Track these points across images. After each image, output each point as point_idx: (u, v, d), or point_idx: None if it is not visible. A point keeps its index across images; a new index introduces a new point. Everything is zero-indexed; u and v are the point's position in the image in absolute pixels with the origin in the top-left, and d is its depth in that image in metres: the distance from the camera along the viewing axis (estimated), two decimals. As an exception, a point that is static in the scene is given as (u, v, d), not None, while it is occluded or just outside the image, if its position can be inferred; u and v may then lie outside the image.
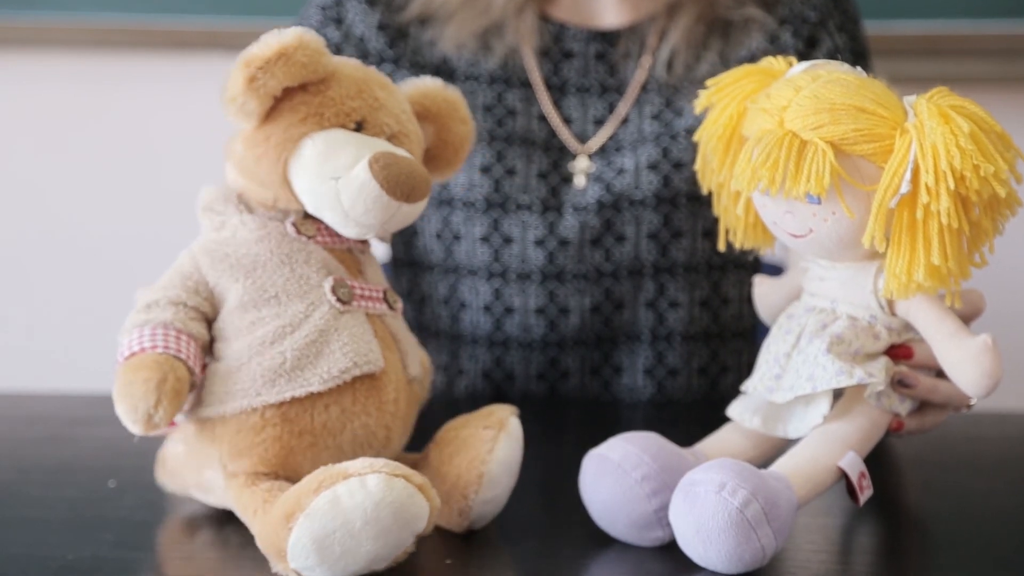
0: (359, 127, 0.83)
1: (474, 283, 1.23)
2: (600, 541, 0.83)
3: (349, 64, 0.85)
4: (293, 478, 0.81)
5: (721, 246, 0.92)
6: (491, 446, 0.83)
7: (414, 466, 0.86)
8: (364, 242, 0.88)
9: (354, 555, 0.73)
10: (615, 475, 0.81)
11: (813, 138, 0.77)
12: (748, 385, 0.87)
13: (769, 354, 0.86)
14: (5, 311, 1.85)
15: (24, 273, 1.85)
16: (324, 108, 0.82)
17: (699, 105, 0.89)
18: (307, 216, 0.84)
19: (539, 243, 1.21)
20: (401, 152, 0.82)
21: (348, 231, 0.82)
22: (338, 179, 0.80)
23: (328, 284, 0.83)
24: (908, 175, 0.76)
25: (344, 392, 0.81)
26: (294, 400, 0.80)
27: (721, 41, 1.24)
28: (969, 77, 1.67)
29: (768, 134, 0.79)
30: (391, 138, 0.84)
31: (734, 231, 0.91)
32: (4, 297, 1.85)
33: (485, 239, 1.22)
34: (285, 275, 0.82)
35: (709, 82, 0.89)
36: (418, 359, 0.89)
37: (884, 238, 0.78)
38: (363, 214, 0.80)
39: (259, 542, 0.77)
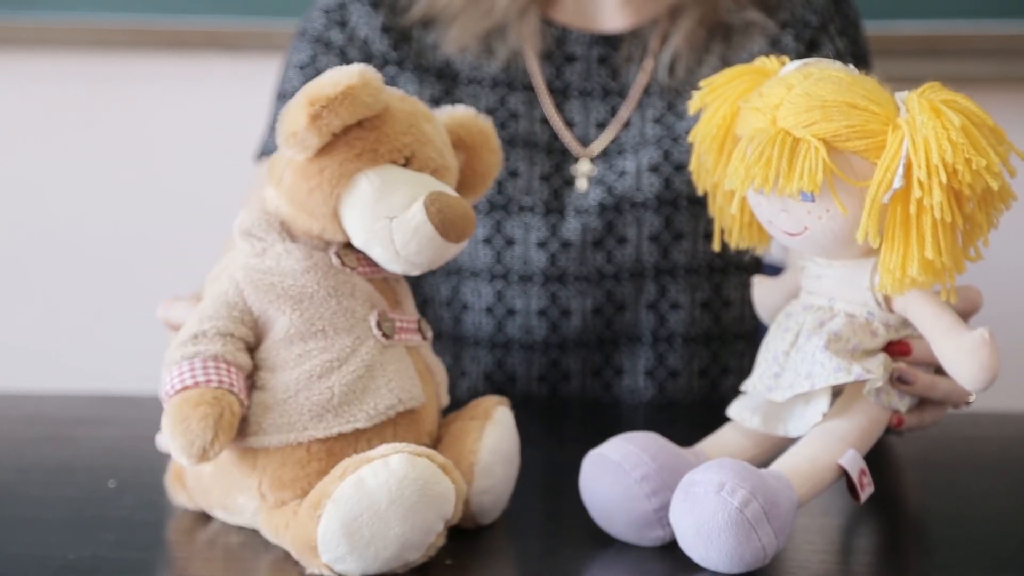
0: (407, 161, 0.83)
1: (476, 285, 1.23)
2: (600, 541, 0.83)
3: (397, 96, 0.85)
4: None
5: (716, 246, 0.92)
6: (478, 435, 0.84)
7: None
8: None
9: (383, 539, 0.74)
10: (615, 475, 0.82)
11: (805, 135, 0.78)
12: (747, 384, 0.87)
13: (768, 353, 0.86)
14: (5, 311, 1.85)
15: (24, 273, 1.85)
16: (379, 144, 0.82)
17: (693, 106, 0.89)
18: (348, 246, 0.84)
19: (541, 245, 1.21)
20: (449, 190, 0.82)
21: (394, 268, 0.83)
22: (392, 219, 0.80)
23: (373, 318, 0.83)
24: (901, 170, 0.76)
25: (386, 427, 0.82)
26: (340, 436, 0.80)
27: (723, 45, 1.24)
28: (969, 77, 1.67)
29: (761, 132, 0.79)
30: (434, 172, 0.84)
31: (729, 231, 0.91)
32: (4, 297, 1.85)
33: (487, 241, 1.22)
34: (332, 308, 0.82)
35: (702, 83, 0.89)
36: (447, 388, 0.90)
37: (878, 234, 0.78)
38: (415, 254, 0.81)
39: (292, 547, 0.77)
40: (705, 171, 0.89)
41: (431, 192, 0.80)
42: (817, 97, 0.78)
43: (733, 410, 0.88)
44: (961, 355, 0.78)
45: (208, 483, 0.85)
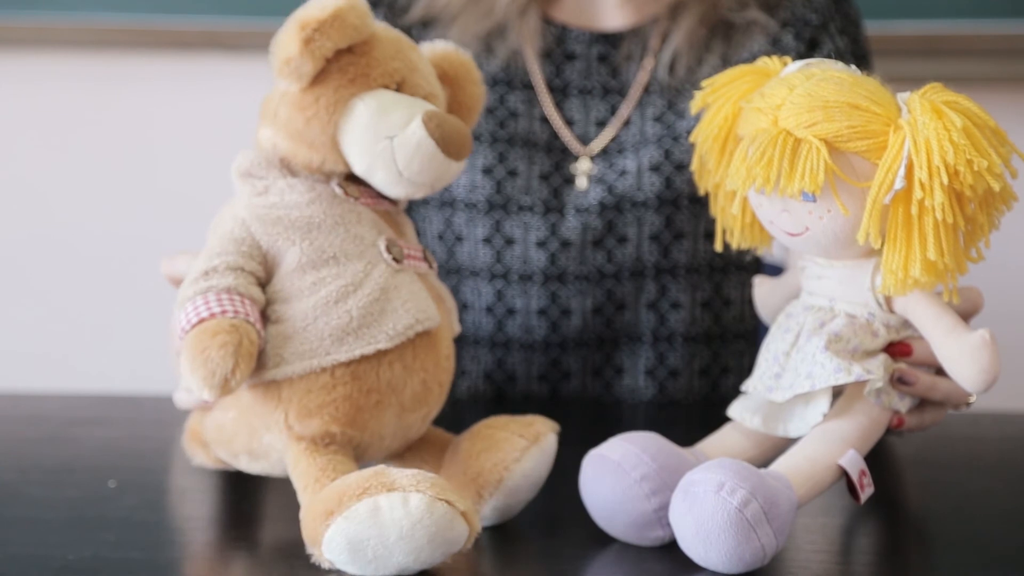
0: (399, 87, 0.84)
1: (476, 284, 1.23)
2: (600, 541, 0.83)
3: (381, 26, 0.86)
4: (356, 438, 0.81)
5: (718, 246, 0.92)
6: (519, 455, 0.83)
7: (444, 445, 0.87)
8: (395, 203, 0.88)
9: (385, 563, 0.74)
10: (615, 475, 0.81)
11: (807, 136, 0.78)
12: (748, 385, 0.87)
13: (768, 353, 0.86)
14: (5, 311, 1.85)
15: (24, 273, 1.85)
16: (370, 69, 0.83)
17: (695, 106, 0.89)
18: (349, 178, 0.85)
19: (541, 244, 1.21)
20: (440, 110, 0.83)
21: (398, 190, 0.83)
22: (393, 138, 0.81)
23: (382, 243, 0.83)
24: (902, 171, 0.76)
25: (406, 349, 0.82)
26: (363, 358, 0.81)
27: (723, 44, 1.24)
28: (969, 77, 1.67)
29: (762, 133, 0.79)
30: (424, 98, 0.85)
31: (731, 231, 0.91)
32: (4, 297, 1.85)
33: (487, 240, 1.22)
34: (341, 235, 0.83)
35: (704, 83, 0.89)
36: (456, 316, 0.90)
37: (879, 235, 0.78)
38: (418, 172, 0.82)
39: (302, 521, 0.77)
40: (707, 171, 0.89)
41: (427, 110, 0.81)
42: (819, 97, 0.78)
43: (733, 410, 0.88)
44: (962, 356, 0.78)
45: (232, 430, 0.85)
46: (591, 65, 1.26)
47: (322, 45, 0.80)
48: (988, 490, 0.96)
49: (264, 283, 0.83)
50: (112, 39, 1.76)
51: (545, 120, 1.25)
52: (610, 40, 1.26)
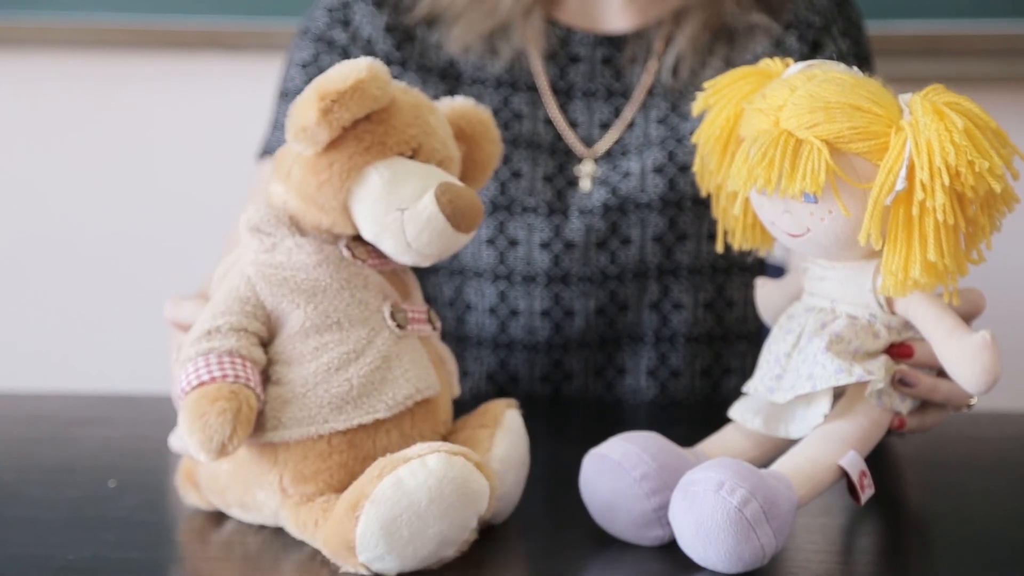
0: (414, 154, 0.83)
1: (479, 285, 1.23)
2: (601, 541, 0.83)
3: (400, 88, 0.85)
4: None
5: (719, 247, 0.92)
6: (488, 444, 0.84)
7: None
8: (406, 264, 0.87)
9: (422, 537, 0.74)
10: (615, 474, 0.82)
11: (808, 137, 0.78)
12: (749, 386, 0.87)
13: (770, 354, 0.86)
14: (5, 311, 1.85)
15: (24, 273, 1.85)
16: (387, 137, 0.82)
17: (697, 107, 0.89)
18: (357, 239, 0.84)
19: (545, 246, 1.21)
20: (456, 180, 0.83)
21: (405, 259, 0.83)
22: (404, 210, 0.81)
23: (387, 309, 0.83)
24: (903, 172, 0.76)
25: (404, 417, 0.82)
26: (360, 427, 0.81)
27: (726, 47, 1.24)
28: (969, 77, 1.67)
29: (764, 134, 0.79)
30: (440, 163, 0.84)
31: (732, 232, 0.91)
32: (4, 297, 1.85)
33: (491, 241, 1.22)
34: (346, 300, 0.82)
35: (706, 84, 0.89)
36: (457, 378, 0.90)
37: (880, 236, 0.78)
38: (426, 245, 0.81)
39: (326, 547, 0.77)
40: (708, 172, 0.89)
41: (441, 183, 0.81)
42: (820, 99, 0.78)
43: (735, 411, 0.88)
44: (963, 358, 0.78)
45: (225, 482, 0.85)
46: (595, 67, 1.26)
47: (340, 116, 0.80)
48: (988, 490, 0.96)
49: (267, 343, 0.83)
50: (112, 39, 1.76)
51: (549, 122, 1.25)
52: (614, 42, 1.26)
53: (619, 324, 1.23)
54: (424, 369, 0.83)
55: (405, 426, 0.82)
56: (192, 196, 1.79)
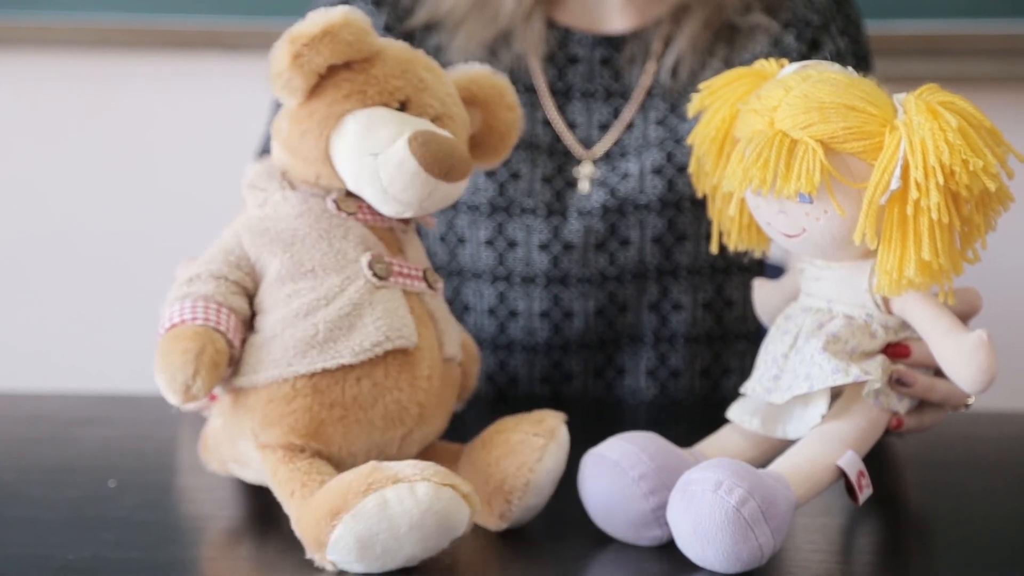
0: (403, 107, 0.84)
1: (478, 286, 1.23)
2: (599, 541, 0.83)
3: (396, 45, 0.86)
4: (324, 451, 0.81)
5: (714, 248, 0.92)
6: (540, 455, 0.83)
7: (455, 457, 0.87)
8: (406, 222, 0.88)
9: (394, 556, 0.74)
10: (613, 473, 0.82)
11: (803, 137, 0.78)
12: (747, 387, 0.87)
13: (767, 355, 0.86)
14: (5, 311, 1.85)
15: (24, 273, 1.85)
16: (367, 86, 0.83)
17: (692, 109, 0.89)
18: (349, 194, 0.85)
19: (544, 247, 1.21)
20: (442, 132, 0.83)
21: (387, 208, 0.83)
22: (377, 155, 0.81)
23: (365, 259, 0.83)
24: (898, 171, 0.76)
25: (376, 366, 0.81)
26: (325, 372, 0.80)
27: (726, 47, 1.24)
28: (969, 77, 1.67)
29: (759, 134, 0.79)
30: (435, 119, 0.84)
31: (728, 233, 0.91)
32: (4, 297, 1.85)
33: (489, 243, 1.22)
34: (323, 249, 0.83)
35: (702, 86, 0.89)
36: (457, 340, 0.89)
37: (875, 235, 0.78)
38: (401, 191, 0.81)
39: (297, 527, 0.77)
40: (704, 173, 0.90)
41: (417, 129, 0.81)
42: (815, 99, 0.78)
43: (732, 412, 0.88)
44: (960, 357, 0.78)
45: (219, 438, 0.86)
46: (594, 68, 1.26)
47: (311, 60, 0.80)
48: (988, 490, 0.97)
49: (252, 294, 0.83)
50: (112, 39, 1.76)
51: (548, 123, 1.25)
52: (613, 43, 1.26)
53: (618, 325, 1.23)
54: (399, 320, 0.82)
55: (378, 375, 0.81)
56: (192, 196, 1.79)
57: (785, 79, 0.82)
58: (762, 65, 0.87)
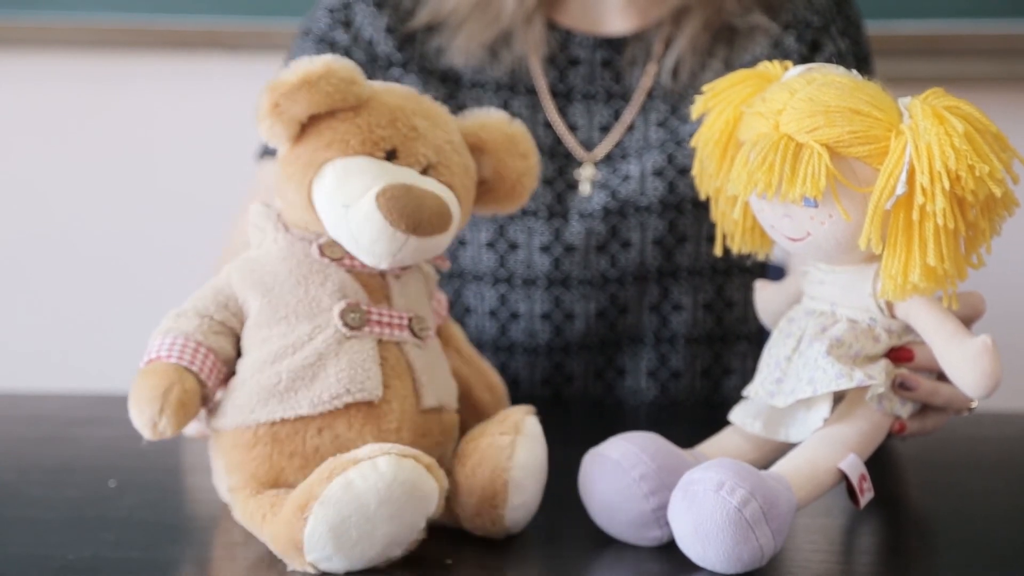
0: (391, 156, 0.83)
1: (479, 288, 1.23)
2: (600, 541, 0.83)
3: (394, 91, 0.85)
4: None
5: (718, 251, 0.92)
6: (510, 452, 0.82)
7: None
8: (404, 267, 0.86)
9: (370, 539, 0.74)
10: (613, 473, 0.82)
11: (808, 141, 0.77)
12: (750, 390, 0.87)
13: (770, 358, 0.86)
14: (5, 311, 1.85)
15: (24, 273, 1.85)
16: (350, 135, 0.82)
17: (696, 111, 0.89)
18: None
19: (545, 249, 1.21)
20: (428, 184, 0.82)
21: (363, 259, 0.82)
22: (348, 207, 0.80)
23: (338, 308, 0.82)
24: (904, 176, 0.76)
25: (338, 418, 0.81)
26: (284, 421, 0.80)
27: (726, 48, 1.24)
28: (969, 77, 1.67)
29: (764, 138, 0.79)
30: (427, 169, 0.83)
31: (731, 236, 0.91)
32: (4, 297, 1.85)
33: (491, 245, 1.22)
34: (299, 296, 0.82)
35: (705, 88, 0.89)
36: (445, 390, 0.87)
37: (880, 240, 0.78)
38: (370, 244, 0.80)
39: (273, 544, 0.77)
40: (707, 176, 0.89)
41: (391, 182, 0.80)
42: (820, 102, 0.78)
43: (735, 415, 0.88)
44: (964, 362, 0.78)
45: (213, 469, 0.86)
46: (595, 70, 1.26)
47: (288, 110, 0.80)
48: (989, 490, 0.97)
49: (239, 334, 0.84)
50: (112, 39, 1.76)
51: (549, 125, 1.25)
52: (614, 45, 1.26)
53: (619, 326, 1.23)
54: (363, 372, 0.81)
55: (339, 428, 0.81)
56: (192, 196, 1.79)
57: (790, 82, 0.82)
58: (766, 67, 0.87)
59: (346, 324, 0.82)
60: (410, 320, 0.85)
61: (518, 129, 0.90)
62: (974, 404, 0.89)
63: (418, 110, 0.85)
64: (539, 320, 1.22)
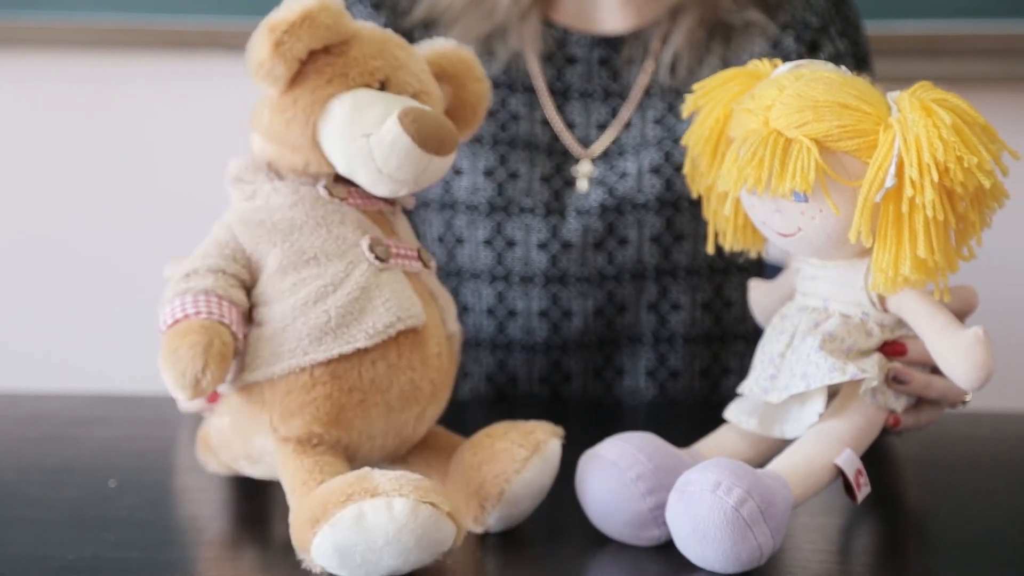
0: (383, 86, 0.84)
1: (477, 286, 1.23)
2: (598, 542, 0.83)
3: (367, 26, 0.86)
4: (344, 438, 0.81)
5: (710, 248, 0.92)
6: (520, 467, 0.82)
7: (452, 450, 0.87)
8: (392, 203, 0.88)
9: (375, 567, 0.74)
10: (610, 473, 0.82)
11: (798, 136, 0.78)
12: (744, 387, 0.87)
13: (764, 355, 0.86)
14: (5, 311, 1.85)
15: (24, 273, 1.85)
16: (348, 68, 0.83)
17: (686, 109, 0.89)
18: (337, 179, 0.85)
19: (542, 246, 1.21)
20: (427, 107, 0.83)
21: (381, 189, 0.83)
22: (369, 136, 0.81)
23: (365, 243, 0.83)
24: (892, 169, 0.76)
25: (389, 347, 0.82)
26: (342, 357, 0.80)
27: (723, 46, 1.24)
28: (969, 77, 1.67)
29: (753, 133, 0.79)
30: (414, 96, 0.85)
31: (723, 233, 0.91)
32: (4, 297, 1.85)
33: (488, 243, 1.22)
34: (322, 236, 0.83)
35: (695, 86, 0.89)
36: (455, 316, 0.89)
37: (871, 233, 0.78)
38: (396, 169, 0.81)
39: (291, 525, 0.77)
40: (699, 174, 0.90)
41: (405, 107, 0.81)
42: (809, 98, 0.79)
43: (730, 413, 0.88)
44: (956, 354, 0.78)
45: (228, 435, 0.85)
46: (592, 68, 1.26)
47: (292, 47, 0.80)
48: (988, 490, 0.96)
49: (250, 286, 0.83)
50: (112, 39, 1.76)
51: (546, 123, 1.25)
52: (611, 43, 1.26)
53: (617, 325, 1.23)
54: (407, 299, 0.83)
55: (391, 357, 0.81)
56: (192, 196, 1.79)
57: (779, 78, 0.82)
58: (756, 65, 0.87)
59: (377, 257, 0.83)
60: (418, 251, 0.87)
61: (470, 54, 0.92)
62: (968, 397, 0.89)
63: (394, 41, 0.86)
64: (536, 318, 1.22)
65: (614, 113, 1.25)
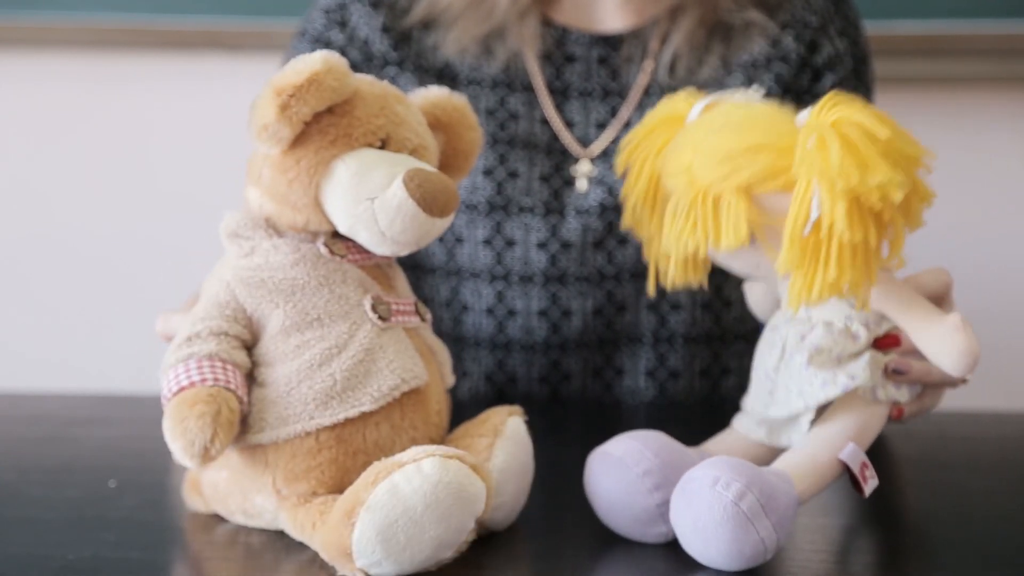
0: (383, 144, 0.83)
1: (476, 286, 1.23)
2: (603, 541, 0.83)
3: (367, 81, 0.85)
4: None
5: (651, 290, 0.91)
6: (487, 455, 0.83)
7: None
8: (388, 256, 0.87)
9: (419, 542, 0.74)
10: (618, 469, 0.82)
11: (723, 190, 0.79)
12: (746, 402, 0.88)
13: (760, 370, 0.87)
14: (5, 311, 1.85)
15: (24, 273, 1.85)
16: (352, 129, 0.82)
17: (618, 167, 0.91)
18: (336, 235, 0.84)
19: (541, 246, 1.21)
20: (428, 167, 0.82)
21: (383, 250, 0.83)
22: (374, 199, 0.80)
23: (368, 302, 0.83)
24: (815, 200, 0.77)
25: (393, 409, 0.82)
26: (347, 421, 0.81)
27: (723, 45, 1.24)
28: (969, 77, 1.67)
29: (683, 196, 0.81)
30: (413, 151, 0.84)
31: (664, 273, 0.90)
32: (4, 297, 1.85)
33: (487, 242, 1.22)
34: (325, 296, 0.82)
35: (622, 142, 0.91)
36: (451, 367, 0.89)
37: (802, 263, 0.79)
38: (400, 232, 0.81)
39: (324, 551, 0.77)
40: (641, 225, 0.91)
41: (409, 169, 0.81)
42: (721, 150, 0.80)
43: (738, 424, 0.88)
44: (939, 344, 0.79)
45: (225, 490, 0.85)
46: (591, 67, 1.26)
47: (299, 111, 0.80)
48: (988, 490, 0.97)
49: (251, 346, 0.83)
50: (112, 39, 1.76)
51: (545, 122, 1.25)
52: (610, 42, 1.26)
53: (617, 325, 1.23)
54: (410, 359, 0.83)
55: (395, 418, 0.82)
56: (192, 196, 1.79)
57: (690, 132, 0.84)
58: (674, 108, 0.88)
59: (379, 316, 0.83)
60: (415, 305, 0.87)
61: (463, 102, 0.91)
62: (968, 376, 0.89)
63: (393, 95, 0.86)
64: (536, 317, 1.22)
65: (613, 112, 1.25)
